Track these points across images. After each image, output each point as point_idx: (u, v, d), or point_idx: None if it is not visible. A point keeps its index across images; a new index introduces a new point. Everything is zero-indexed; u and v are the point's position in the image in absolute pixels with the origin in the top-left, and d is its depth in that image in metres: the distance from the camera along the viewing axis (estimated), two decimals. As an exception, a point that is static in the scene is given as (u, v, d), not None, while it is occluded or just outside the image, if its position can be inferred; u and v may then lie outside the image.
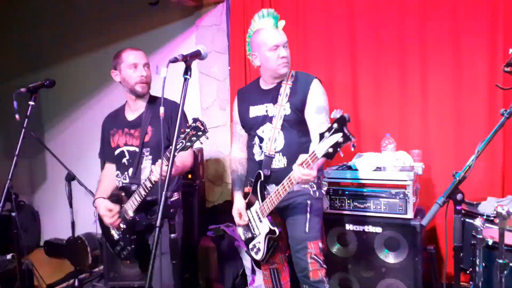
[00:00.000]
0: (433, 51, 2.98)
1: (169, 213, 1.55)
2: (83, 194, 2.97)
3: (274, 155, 2.12)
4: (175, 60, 1.50)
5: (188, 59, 1.54)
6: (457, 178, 1.49)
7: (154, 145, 2.16)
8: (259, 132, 2.19)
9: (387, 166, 2.64)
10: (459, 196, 1.48)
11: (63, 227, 3.44)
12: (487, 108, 2.84)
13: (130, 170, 2.19)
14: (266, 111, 2.17)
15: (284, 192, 1.94)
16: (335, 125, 1.55)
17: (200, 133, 1.59)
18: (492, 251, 1.93)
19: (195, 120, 1.60)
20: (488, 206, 2.67)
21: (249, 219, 2.22)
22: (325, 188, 2.68)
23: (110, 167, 2.34)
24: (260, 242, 2.18)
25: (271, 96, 2.16)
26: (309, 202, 2.10)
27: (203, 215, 3.49)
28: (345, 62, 3.25)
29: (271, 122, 2.14)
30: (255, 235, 2.21)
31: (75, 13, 4.31)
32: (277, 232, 2.08)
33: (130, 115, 2.28)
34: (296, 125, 2.11)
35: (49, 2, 4.36)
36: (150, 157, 2.16)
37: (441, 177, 3.01)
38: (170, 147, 1.57)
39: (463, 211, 2.54)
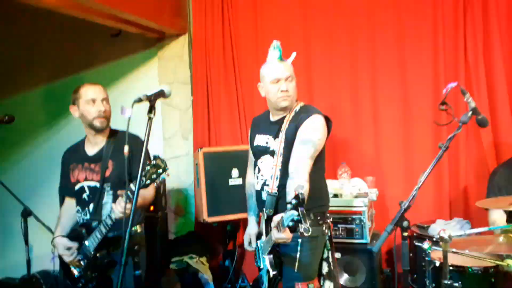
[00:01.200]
0: (383, 83, 3.24)
1: (133, 250, 1.56)
2: (39, 229, 2.88)
3: (278, 193, 2.06)
4: (139, 101, 1.56)
5: (152, 99, 1.59)
6: (403, 207, 1.62)
7: (115, 180, 2.16)
8: (259, 162, 2.19)
9: (344, 193, 2.78)
10: (405, 224, 1.61)
11: (17, 265, 3.29)
12: (433, 138, 3.08)
13: (91, 206, 2.17)
14: (267, 143, 2.17)
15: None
16: (294, 201, 1.55)
17: (160, 170, 1.63)
18: (439, 272, 2.06)
19: (155, 157, 1.65)
20: (436, 229, 2.85)
21: (258, 249, 2.19)
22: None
23: (70, 202, 2.32)
24: (263, 276, 2.17)
25: (274, 129, 2.15)
26: (299, 241, 2.00)
27: (166, 247, 3.46)
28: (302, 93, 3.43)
29: (272, 156, 2.11)
30: (261, 267, 2.19)
31: (35, 43, 4.25)
32: (271, 274, 2.03)
33: (90, 150, 2.28)
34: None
35: (6, 33, 4.28)
36: (111, 192, 2.16)
37: (394, 202, 3.16)
38: (130, 183, 1.59)
39: (414, 234, 2.72)
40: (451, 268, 2.09)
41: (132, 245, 1.53)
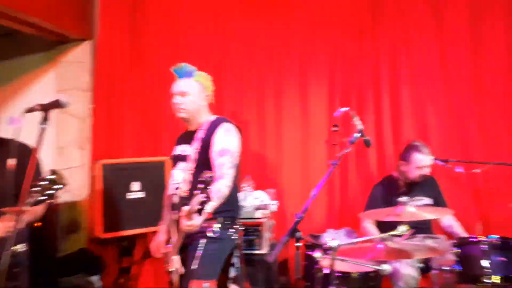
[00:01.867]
0: (287, 106, 3.50)
1: (12, 273, 1.40)
2: None
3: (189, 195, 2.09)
4: (31, 110, 1.45)
5: (46, 109, 1.49)
6: (297, 219, 1.75)
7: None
8: (174, 169, 2.30)
9: (246, 205, 2.88)
10: (297, 235, 1.74)
11: None
12: (328, 156, 3.33)
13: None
14: (183, 151, 2.29)
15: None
16: (201, 186, 1.69)
17: (57, 186, 1.52)
18: (328, 278, 2.25)
19: (53, 172, 1.53)
20: (327, 237, 3.11)
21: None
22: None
23: None
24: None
25: (190, 137, 2.28)
26: (204, 240, 2.09)
27: (54, 267, 3.17)
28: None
29: (186, 162, 2.21)
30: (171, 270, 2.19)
31: None
32: (179, 273, 2.10)
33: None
34: (203, 165, 2.14)
35: None
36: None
37: (293, 213, 3.39)
38: (21, 199, 1.46)
39: (309, 244, 2.93)
40: (338, 274, 2.31)
41: (12, 267, 1.38)
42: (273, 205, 3.03)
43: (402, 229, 1.95)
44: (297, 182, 3.43)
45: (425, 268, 2.55)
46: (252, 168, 3.37)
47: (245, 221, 2.76)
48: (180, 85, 2.28)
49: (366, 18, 3.38)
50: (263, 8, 3.53)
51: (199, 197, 1.69)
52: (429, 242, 2.68)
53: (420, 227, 2.72)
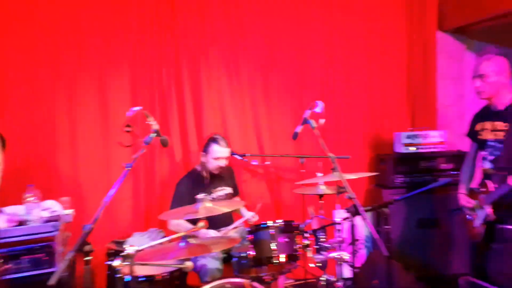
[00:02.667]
0: (82, 104, 3.18)
1: None
2: None
3: None
4: None
5: None
6: (84, 232, 1.57)
7: None
8: None
9: (31, 219, 2.46)
10: (87, 248, 1.57)
11: None
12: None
13: None
14: None
15: None
16: None
17: None
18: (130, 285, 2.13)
19: None
20: (134, 241, 2.96)
21: None
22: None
23: None
24: None
25: None
26: None
27: None
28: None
29: None
30: None
31: None
32: None
33: None
34: None
35: None
36: None
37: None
38: None
39: (113, 250, 2.72)
40: (142, 279, 2.21)
41: None
42: (68, 215, 2.68)
43: (200, 224, 2.01)
44: (99, 187, 3.14)
45: (227, 258, 2.70)
46: (40, 176, 2.98)
47: (30, 238, 2.36)
48: None
49: (166, 15, 3.33)
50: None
51: None
52: (231, 233, 2.86)
53: (223, 219, 2.89)
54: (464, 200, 2.61)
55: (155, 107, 3.32)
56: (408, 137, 3.48)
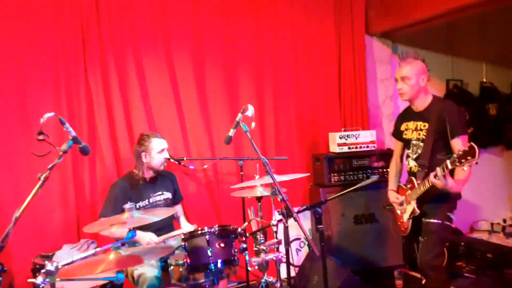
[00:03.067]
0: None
1: None
2: None
3: None
4: None
5: None
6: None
7: None
8: None
9: None
10: (-3, 268, 1.43)
11: None
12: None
13: None
14: None
15: None
16: None
17: None
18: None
19: None
20: (63, 254, 2.79)
21: None
22: None
23: None
24: None
25: None
26: None
27: None
28: None
29: None
30: None
31: None
32: None
33: None
34: None
35: None
36: None
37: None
38: None
39: (39, 266, 2.53)
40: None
41: None
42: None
43: (128, 235, 1.92)
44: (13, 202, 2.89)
45: (165, 266, 2.62)
46: None
47: None
48: None
49: (91, 15, 3.16)
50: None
51: None
52: (170, 241, 2.79)
53: (163, 227, 2.81)
54: (392, 196, 2.75)
55: (81, 111, 3.16)
56: (341, 137, 3.61)
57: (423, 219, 2.53)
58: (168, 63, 3.42)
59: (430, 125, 2.49)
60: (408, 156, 2.67)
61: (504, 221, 4.46)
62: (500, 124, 4.54)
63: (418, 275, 2.93)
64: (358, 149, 3.64)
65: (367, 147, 3.65)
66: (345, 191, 2.50)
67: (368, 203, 3.56)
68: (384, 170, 3.61)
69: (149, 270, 2.48)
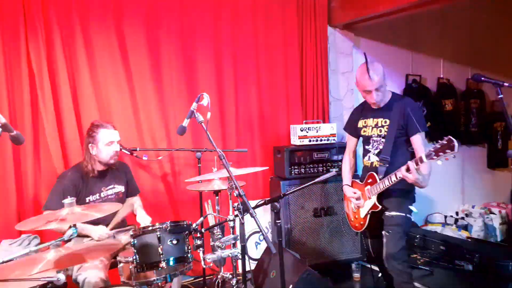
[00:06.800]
0: None
1: None
2: None
3: None
4: None
5: None
6: None
7: None
8: None
9: None
10: None
11: None
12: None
13: None
14: None
15: None
16: None
17: None
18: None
19: None
20: (1, 251, 2.58)
21: None
22: None
23: None
24: None
25: None
26: None
27: None
28: None
29: None
30: None
31: None
32: None
33: None
34: None
35: None
36: None
37: None
38: None
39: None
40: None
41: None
42: None
43: (69, 232, 1.77)
44: None
45: (114, 263, 2.47)
46: None
47: None
48: None
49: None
50: None
51: None
52: (121, 236, 2.62)
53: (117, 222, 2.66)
54: (349, 191, 2.72)
55: (23, 96, 2.90)
56: (302, 129, 3.56)
57: (386, 213, 2.51)
58: (121, 48, 3.21)
59: (392, 122, 2.48)
60: (367, 151, 2.65)
61: (457, 214, 4.62)
62: (455, 120, 4.68)
63: (376, 268, 2.94)
64: (319, 142, 3.60)
65: (328, 140, 3.63)
66: (302, 186, 2.48)
67: (327, 196, 3.55)
68: (345, 163, 3.61)
69: (93, 273, 2.30)
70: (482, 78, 2.32)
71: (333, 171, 2.63)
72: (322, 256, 3.52)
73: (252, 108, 3.72)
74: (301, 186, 2.41)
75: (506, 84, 2.22)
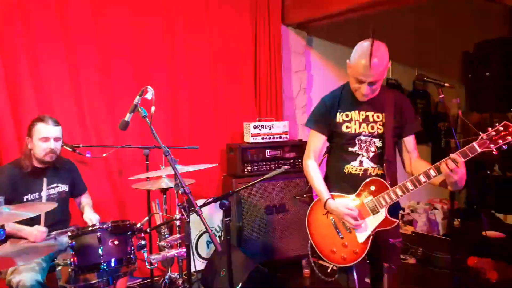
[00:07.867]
0: None
1: None
2: None
3: None
4: None
5: None
6: None
7: None
8: None
9: None
10: None
11: None
12: None
13: None
14: None
15: None
16: None
17: None
18: None
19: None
20: None
21: None
22: None
23: None
24: None
25: None
26: None
27: None
28: None
29: None
30: None
31: None
32: None
33: None
34: None
35: None
36: None
37: None
38: None
39: None
40: None
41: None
42: None
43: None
44: None
45: (51, 267, 2.32)
46: None
47: None
48: None
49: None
50: None
51: None
52: (64, 238, 2.47)
53: (56, 222, 2.49)
54: (342, 206, 1.95)
55: None
56: (255, 127, 3.55)
57: (390, 240, 1.97)
58: (66, 39, 3.03)
59: (387, 117, 1.96)
60: (353, 155, 2.00)
61: (403, 209, 4.80)
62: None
63: (325, 263, 2.97)
64: (272, 140, 3.61)
65: (280, 137, 3.64)
66: (251, 183, 2.43)
67: (279, 194, 3.56)
68: (296, 161, 3.63)
69: (28, 276, 2.15)
70: (425, 79, 2.41)
71: (282, 168, 2.56)
72: (273, 253, 3.53)
73: (206, 105, 3.65)
74: (250, 183, 2.38)
75: (446, 84, 2.32)
